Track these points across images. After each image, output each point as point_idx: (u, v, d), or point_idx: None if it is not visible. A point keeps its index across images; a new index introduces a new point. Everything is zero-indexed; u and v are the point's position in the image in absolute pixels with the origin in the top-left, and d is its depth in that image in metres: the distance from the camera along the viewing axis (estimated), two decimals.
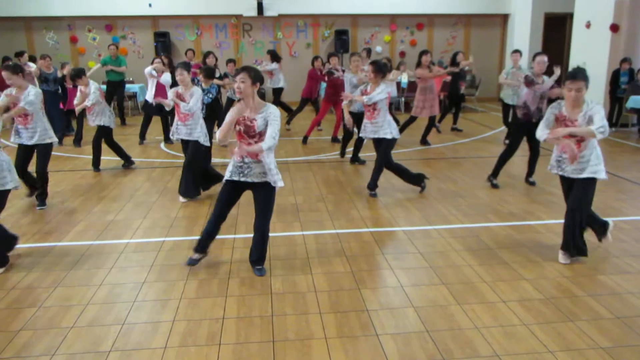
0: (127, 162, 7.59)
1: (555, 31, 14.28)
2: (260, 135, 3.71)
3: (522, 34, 14.31)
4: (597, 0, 11.09)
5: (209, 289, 3.79)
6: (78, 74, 7.10)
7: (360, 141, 7.52)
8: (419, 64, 8.88)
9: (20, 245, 4.67)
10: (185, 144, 5.92)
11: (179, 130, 5.82)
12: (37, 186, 5.84)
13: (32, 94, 5.38)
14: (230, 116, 3.71)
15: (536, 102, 6.06)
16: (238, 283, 3.87)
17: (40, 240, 4.83)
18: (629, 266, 4.09)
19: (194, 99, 5.66)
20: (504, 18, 15.19)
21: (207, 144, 5.98)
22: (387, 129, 5.84)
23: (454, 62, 9.98)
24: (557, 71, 6.39)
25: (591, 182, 3.97)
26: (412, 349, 3.00)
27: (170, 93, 5.91)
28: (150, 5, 13.75)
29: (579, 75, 3.82)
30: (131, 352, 3.02)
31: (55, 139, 5.76)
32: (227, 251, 4.47)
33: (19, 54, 11.45)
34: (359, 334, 3.17)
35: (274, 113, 3.72)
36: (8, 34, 13.85)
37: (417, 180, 6.16)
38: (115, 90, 11.59)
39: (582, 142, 3.92)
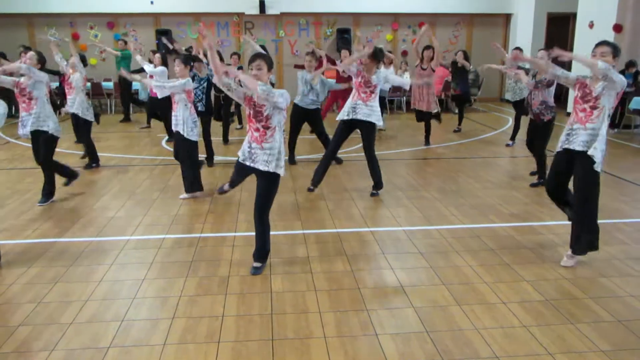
0: (94, 163, 7.41)
1: (558, 31, 14.26)
2: (267, 118, 3.73)
3: (525, 34, 14.30)
4: (600, 0, 11.07)
5: (209, 286, 3.78)
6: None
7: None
8: (422, 59, 8.84)
9: (20, 241, 4.67)
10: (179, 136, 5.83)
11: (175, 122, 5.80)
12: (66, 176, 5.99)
13: (42, 75, 5.53)
14: (243, 75, 3.69)
15: (537, 101, 6.04)
16: (238, 281, 3.86)
17: (40, 236, 4.82)
18: (630, 269, 4.08)
19: (163, 79, 5.73)
20: (507, 18, 15.18)
21: (194, 138, 5.80)
22: (379, 114, 5.89)
23: (453, 62, 9.99)
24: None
25: (592, 164, 3.84)
26: (411, 349, 3.00)
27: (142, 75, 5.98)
28: (152, 2, 13.75)
29: (606, 41, 3.90)
30: (130, 348, 3.01)
31: (53, 132, 5.66)
32: (227, 249, 4.46)
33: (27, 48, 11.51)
34: (359, 333, 3.16)
35: (276, 92, 3.73)
36: (10, 31, 13.85)
37: (318, 179, 6.13)
38: (129, 85, 11.66)
39: (594, 110, 3.84)
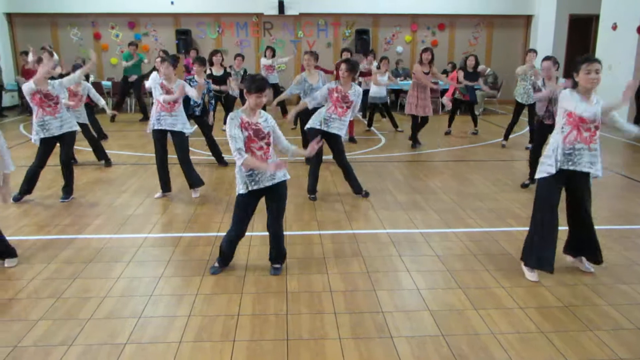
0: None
1: (580, 33, 14.07)
2: (269, 135, 3.76)
3: (546, 36, 14.13)
4: (624, 2, 10.89)
5: (225, 285, 3.80)
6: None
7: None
8: (420, 61, 8.75)
9: (41, 237, 4.75)
10: (164, 134, 5.88)
11: (163, 121, 5.80)
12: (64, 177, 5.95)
13: (57, 83, 5.63)
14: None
15: (544, 105, 5.97)
16: (254, 280, 3.88)
17: (60, 232, 4.89)
18: None
19: (188, 89, 5.84)
20: (528, 19, 15.01)
21: (190, 131, 6.04)
22: (346, 128, 5.91)
23: (462, 67, 9.91)
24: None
25: (590, 180, 3.84)
26: (426, 352, 2.98)
27: (151, 81, 6.04)
28: (172, 2, 13.88)
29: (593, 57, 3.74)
30: (147, 345, 3.04)
31: (77, 128, 5.88)
32: (243, 249, 4.48)
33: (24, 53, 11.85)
34: (374, 335, 3.15)
35: (273, 119, 3.86)
36: (34, 30, 14.09)
37: (312, 189, 6.07)
38: (130, 86, 11.78)
39: (597, 131, 3.73)
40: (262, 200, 3.92)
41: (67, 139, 5.80)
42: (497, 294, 3.69)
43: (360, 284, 3.83)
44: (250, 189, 3.76)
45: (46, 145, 5.73)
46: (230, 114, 3.71)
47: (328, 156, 6.16)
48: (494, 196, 6.11)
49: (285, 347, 3.02)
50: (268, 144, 3.76)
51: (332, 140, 5.90)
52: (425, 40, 15.00)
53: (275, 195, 3.87)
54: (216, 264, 4.07)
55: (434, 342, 3.08)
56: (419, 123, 8.97)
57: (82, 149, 8.22)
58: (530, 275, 3.95)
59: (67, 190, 5.90)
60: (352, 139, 9.27)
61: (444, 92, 11.34)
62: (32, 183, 5.83)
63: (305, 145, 7.11)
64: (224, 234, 4.74)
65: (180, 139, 5.91)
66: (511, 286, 3.80)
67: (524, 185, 6.44)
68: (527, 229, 4.01)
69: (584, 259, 4.08)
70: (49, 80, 5.59)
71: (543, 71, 6.07)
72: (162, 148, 5.92)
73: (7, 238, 4.18)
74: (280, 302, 3.56)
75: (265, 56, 11.61)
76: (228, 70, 9.67)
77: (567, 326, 3.26)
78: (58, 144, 5.82)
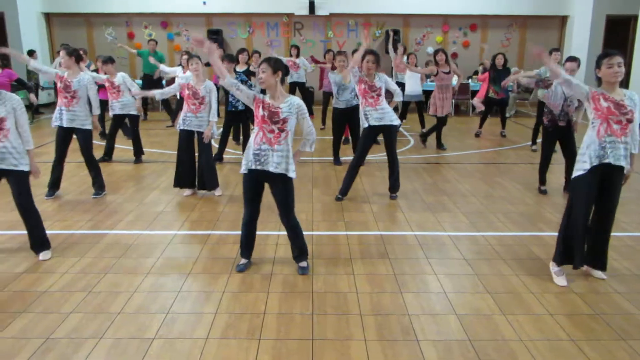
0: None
1: (618, 35, 13.71)
2: (284, 121, 3.75)
3: (582, 37, 13.82)
4: None
5: (252, 284, 3.83)
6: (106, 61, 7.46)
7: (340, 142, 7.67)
8: (436, 63, 8.73)
9: (74, 232, 4.86)
10: (189, 134, 5.95)
11: (188, 122, 5.87)
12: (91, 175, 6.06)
13: (85, 78, 5.75)
14: (217, 63, 3.83)
15: (559, 105, 5.82)
16: (280, 280, 3.90)
17: (93, 227, 5.00)
18: None
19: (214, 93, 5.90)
20: (563, 20, 14.70)
21: (216, 134, 6.16)
22: (392, 114, 5.81)
23: (492, 64, 9.76)
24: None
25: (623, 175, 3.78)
26: (452, 357, 2.95)
27: (177, 85, 6.06)
28: (204, 3, 14.04)
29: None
30: (174, 340, 3.09)
31: (91, 127, 5.92)
32: (270, 247, 4.51)
33: (31, 53, 12.16)
34: (399, 338, 3.13)
35: (301, 105, 3.84)
36: (70, 30, 14.45)
37: (346, 188, 6.00)
38: (150, 84, 11.86)
39: (629, 124, 3.67)
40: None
41: (80, 137, 5.87)
42: (526, 299, 3.63)
43: (387, 286, 3.81)
44: (250, 168, 3.81)
45: (59, 133, 5.86)
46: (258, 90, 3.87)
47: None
48: (525, 200, 6.00)
49: (311, 347, 3.03)
50: (281, 130, 3.76)
51: (386, 132, 5.89)
52: (457, 41, 14.84)
53: (277, 188, 3.88)
54: (241, 261, 4.11)
55: (460, 347, 3.04)
56: (438, 124, 8.91)
57: (119, 146, 8.38)
58: (558, 279, 3.88)
59: (97, 186, 6.02)
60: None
61: (474, 93, 11.22)
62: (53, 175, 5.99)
63: (354, 146, 7.08)
64: None
65: (203, 140, 5.94)
66: (541, 292, 3.73)
67: (541, 191, 6.31)
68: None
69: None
70: (81, 75, 5.75)
71: (566, 72, 5.94)
72: (185, 147, 5.98)
73: None
74: (306, 302, 3.57)
75: (290, 55, 11.69)
76: (251, 68, 9.74)
77: (598, 335, 3.18)
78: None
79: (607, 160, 3.67)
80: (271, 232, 4.87)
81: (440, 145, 8.97)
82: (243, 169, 3.86)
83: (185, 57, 9.10)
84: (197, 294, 3.69)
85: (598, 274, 3.99)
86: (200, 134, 5.91)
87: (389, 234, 4.88)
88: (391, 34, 11.36)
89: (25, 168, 4.16)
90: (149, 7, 14.14)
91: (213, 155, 6.28)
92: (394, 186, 6.03)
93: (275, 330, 3.21)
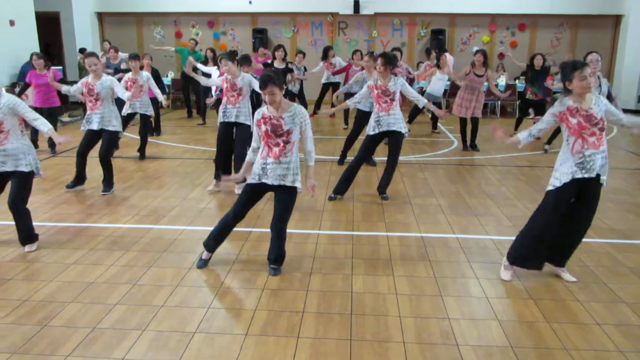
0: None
1: None
2: (288, 133, 3.76)
3: (637, 38, 13.27)
4: None
5: (291, 282, 3.85)
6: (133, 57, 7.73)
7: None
8: (473, 65, 8.52)
9: (120, 225, 5.01)
10: (228, 126, 6.02)
11: (228, 113, 5.95)
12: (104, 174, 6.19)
13: (107, 80, 5.93)
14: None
15: None
16: (320, 279, 3.91)
17: (138, 222, 5.14)
18: None
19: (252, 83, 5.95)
20: (617, 19, 14.14)
21: (250, 122, 6.07)
22: (402, 122, 5.76)
23: (530, 64, 9.49)
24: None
25: (601, 184, 3.70)
26: None
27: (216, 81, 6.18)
28: (250, 2, 14.22)
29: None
30: (214, 335, 3.14)
31: (119, 129, 6.09)
32: (310, 246, 4.52)
33: (82, 51, 12.48)
34: (439, 342, 3.09)
35: (306, 115, 3.85)
36: (121, 29, 14.89)
37: (339, 189, 5.90)
38: (189, 83, 11.98)
39: (603, 133, 3.59)
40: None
41: (105, 137, 6.04)
42: (572, 307, 3.52)
43: (427, 289, 3.77)
44: (255, 182, 3.84)
45: (87, 135, 6.05)
46: (258, 110, 3.87)
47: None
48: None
49: (349, 348, 3.02)
50: (286, 142, 3.77)
51: (392, 138, 5.85)
52: (504, 40, 14.50)
53: (281, 196, 3.89)
54: (204, 255, 4.11)
55: (501, 353, 2.97)
56: (466, 125, 8.75)
57: (154, 141, 8.61)
58: (505, 274, 3.93)
59: (107, 183, 6.13)
60: None
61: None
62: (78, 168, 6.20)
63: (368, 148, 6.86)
64: (292, 231, 4.81)
65: (243, 132, 6.01)
66: (588, 300, 3.61)
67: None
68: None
69: (565, 269, 3.97)
70: (103, 76, 5.93)
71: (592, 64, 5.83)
72: (223, 139, 6.07)
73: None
74: (345, 301, 3.56)
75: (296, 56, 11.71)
76: (290, 66, 9.80)
77: None
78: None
79: (579, 176, 3.60)
80: (311, 230, 4.88)
81: (473, 146, 8.81)
82: (250, 180, 3.89)
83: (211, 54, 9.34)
84: (238, 290, 3.74)
85: (567, 276, 3.93)
86: (239, 126, 5.99)
87: (430, 236, 4.82)
88: (433, 52, 11.25)
89: (26, 169, 4.32)
90: (197, 6, 14.42)
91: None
92: (383, 186, 5.97)
93: (314, 329, 3.22)
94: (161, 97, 7.97)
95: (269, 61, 9.66)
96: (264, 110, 3.82)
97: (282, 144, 3.78)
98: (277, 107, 3.78)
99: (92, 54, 5.92)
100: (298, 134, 3.85)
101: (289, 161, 3.81)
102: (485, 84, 8.63)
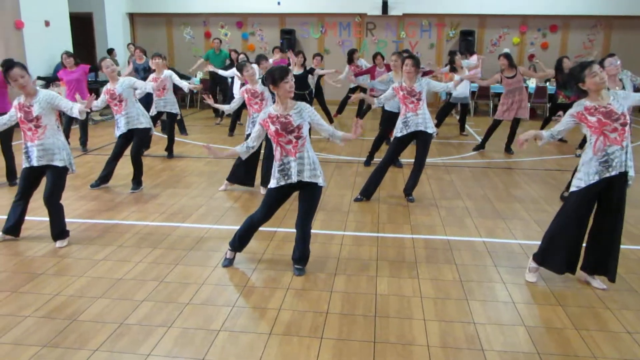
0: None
1: None
2: (299, 128, 3.75)
3: None
4: None
5: (315, 282, 3.86)
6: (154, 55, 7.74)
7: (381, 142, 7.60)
8: (501, 70, 8.46)
9: (148, 223, 5.09)
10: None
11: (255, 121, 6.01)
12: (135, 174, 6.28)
13: (125, 80, 6.06)
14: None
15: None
16: (344, 280, 3.90)
17: (166, 220, 5.21)
18: None
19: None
20: None
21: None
22: (430, 122, 5.72)
23: (559, 68, 9.29)
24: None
25: (627, 181, 3.63)
26: None
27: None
28: (279, 3, 14.29)
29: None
30: (238, 334, 3.16)
31: (148, 125, 6.19)
32: (335, 247, 4.52)
33: (110, 51, 12.64)
34: (464, 346, 3.06)
35: (310, 108, 3.85)
36: (151, 29, 15.13)
37: (366, 192, 5.87)
38: (216, 83, 12.07)
39: (625, 127, 3.53)
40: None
41: (136, 135, 6.14)
42: (601, 315, 3.44)
43: (452, 292, 3.73)
44: (279, 184, 3.83)
45: (119, 141, 6.18)
46: (264, 110, 3.89)
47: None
48: None
49: (372, 349, 3.01)
50: (298, 138, 3.76)
51: (420, 139, 5.80)
52: (535, 42, 14.26)
53: (306, 195, 3.88)
54: (228, 255, 4.15)
55: None
56: (496, 127, 8.64)
57: (181, 140, 8.72)
58: (530, 276, 3.91)
59: (136, 181, 6.25)
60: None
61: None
62: (106, 170, 6.33)
63: (397, 151, 6.76)
64: (317, 231, 4.82)
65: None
66: (619, 308, 3.52)
67: (562, 198, 5.96)
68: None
69: (595, 276, 3.87)
70: (120, 80, 6.04)
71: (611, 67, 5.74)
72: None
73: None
74: (369, 303, 3.55)
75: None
76: (308, 69, 9.81)
77: None
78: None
79: (606, 176, 3.56)
80: (336, 231, 4.88)
81: (508, 150, 8.69)
82: (272, 184, 3.87)
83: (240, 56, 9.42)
84: (262, 289, 3.76)
85: (597, 282, 3.84)
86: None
87: (457, 239, 4.77)
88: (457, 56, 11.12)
89: (60, 164, 4.44)
90: (226, 7, 14.56)
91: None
92: (410, 187, 5.94)
93: (338, 330, 3.22)
94: (187, 85, 7.89)
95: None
96: (269, 110, 3.83)
97: (294, 140, 3.78)
98: (284, 105, 3.78)
99: (104, 58, 6.13)
100: (307, 129, 3.84)
101: (305, 156, 3.81)
102: (527, 82, 8.54)
